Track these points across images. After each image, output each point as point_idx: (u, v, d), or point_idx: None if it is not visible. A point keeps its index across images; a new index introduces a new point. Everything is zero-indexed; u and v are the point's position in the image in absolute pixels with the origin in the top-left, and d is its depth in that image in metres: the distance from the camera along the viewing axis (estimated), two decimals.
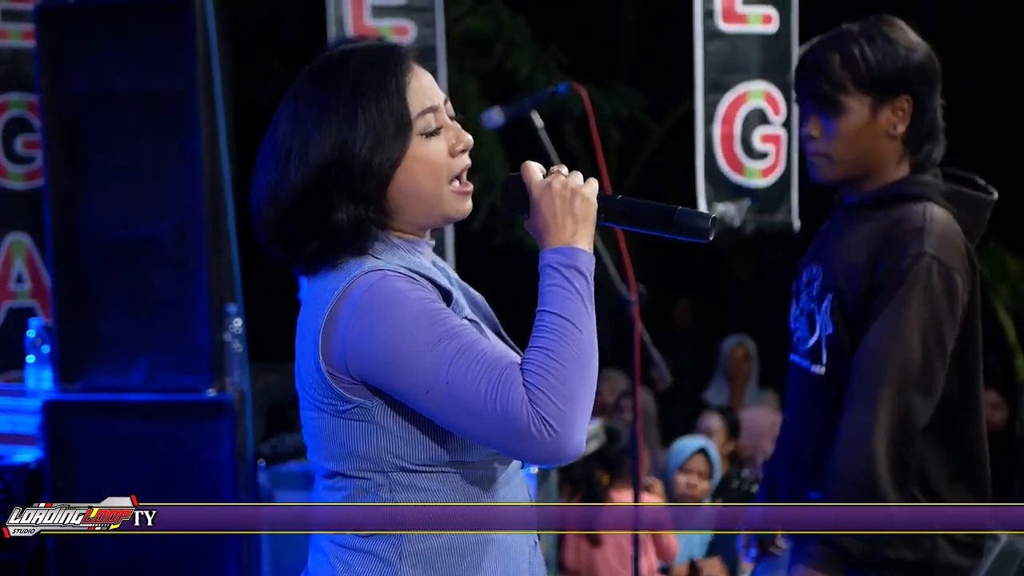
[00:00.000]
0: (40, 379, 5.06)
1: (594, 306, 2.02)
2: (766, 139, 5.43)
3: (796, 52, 5.39)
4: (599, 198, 2.09)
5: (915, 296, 2.82)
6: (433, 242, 2.18)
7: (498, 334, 2.20)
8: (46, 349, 5.06)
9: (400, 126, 2.05)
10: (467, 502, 2.06)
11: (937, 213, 2.94)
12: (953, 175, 3.10)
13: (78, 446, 4.61)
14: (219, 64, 4.64)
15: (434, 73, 5.73)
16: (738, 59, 5.36)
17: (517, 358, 1.97)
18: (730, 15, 5.36)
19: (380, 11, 5.70)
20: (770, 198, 5.45)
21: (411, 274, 2.02)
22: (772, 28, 5.39)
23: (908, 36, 3.02)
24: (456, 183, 2.11)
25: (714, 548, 5.81)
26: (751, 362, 8.49)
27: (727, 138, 5.37)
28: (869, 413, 2.79)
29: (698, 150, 5.39)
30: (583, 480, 5.68)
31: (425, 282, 2.03)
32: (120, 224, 4.59)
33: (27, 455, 4.80)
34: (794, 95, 3.30)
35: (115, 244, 4.61)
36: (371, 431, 2.02)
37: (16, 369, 5.51)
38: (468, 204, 2.14)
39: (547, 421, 1.89)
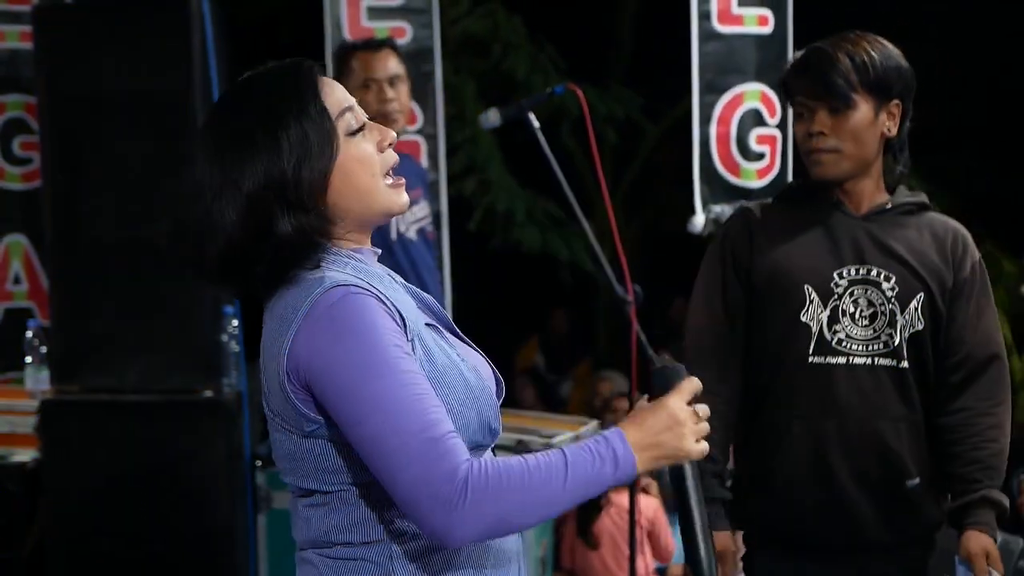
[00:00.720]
0: (37, 379, 5.08)
1: (592, 492, 2.00)
2: (762, 140, 5.44)
3: (791, 53, 5.41)
4: (678, 472, 2.17)
5: (990, 297, 3.31)
6: (379, 251, 2.18)
7: (453, 332, 2.21)
8: (43, 349, 5.07)
9: (325, 133, 2.06)
10: None
11: (959, 224, 3.34)
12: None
13: (75, 446, 4.61)
14: (217, 64, 4.65)
15: (431, 74, 5.81)
16: (734, 60, 5.37)
17: (484, 373, 2.03)
18: (726, 16, 5.37)
19: (376, 12, 5.72)
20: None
21: (373, 290, 2.01)
22: (768, 29, 5.40)
23: (894, 48, 3.26)
24: (389, 177, 2.12)
25: None
26: None
27: (723, 139, 5.37)
28: (1003, 409, 3.24)
29: (694, 151, 5.40)
30: None
31: (384, 302, 2.01)
32: (118, 225, 4.60)
33: (24, 455, 4.81)
34: (787, 95, 3.35)
35: (113, 245, 4.61)
36: (338, 448, 2.01)
37: (14, 369, 5.53)
38: (405, 197, 2.14)
39: (467, 495, 1.89)
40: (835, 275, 3.18)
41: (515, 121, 4.38)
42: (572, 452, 1.97)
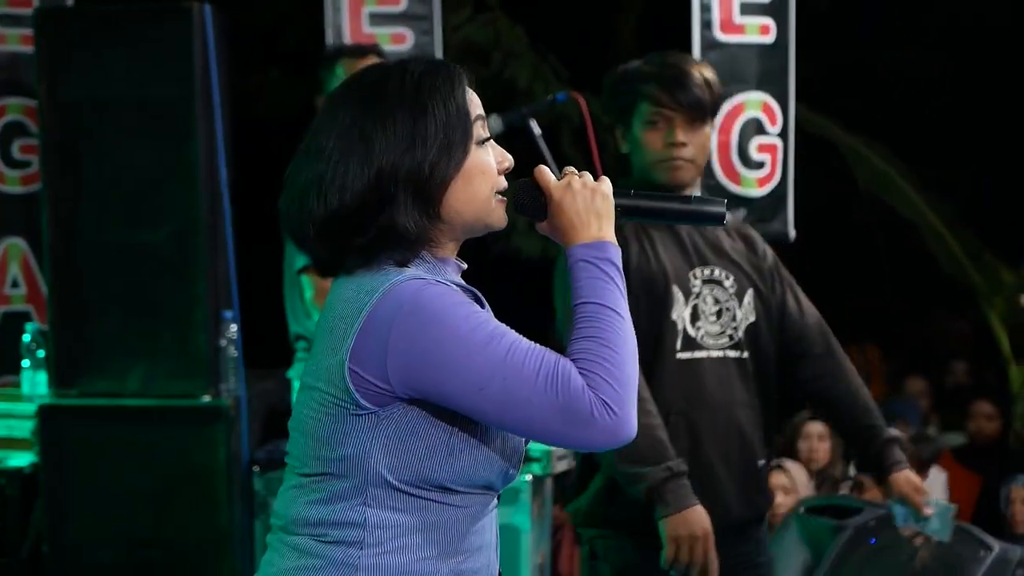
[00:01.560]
0: (35, 384, 5.07)
1: (626, 293, 2.08)
2: (762, 149, 5.44)
3: (793, 63, 5.41)
4: (614, 194, 2.14)
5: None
6: (464, 266, 2.18)
7: None
8: (41, 353, 5.06)
9: (465, 130, 2.07)
10: (435, 532, 2.05)
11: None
12: None
13: (73, 451, 4.61)
14: (218, 71, 4.65)
15: None
16: (735, 69, 5.37)
17: (561, 354, 2.01)
18: (728, 25, 5.37)
19: (378, 19, 5.72)
20: (766, 208, 5.46)
21: (448, 283, 2.04)
22: (770, 39, 5.40)
23: None
24: (498, 195, 2.13)
25: None
26: None
27: (724, 148, 5.38)
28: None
29: None
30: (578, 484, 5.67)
31: (461, 291, 2.05)
32: (117, 229, 4.60)
33: (22, 459, 4.81)
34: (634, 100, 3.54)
35: (112, 249, 4.61)
36: (369, 440, 2.01)
37: (12, 374, 5.52)
38: (505, 214, 2.15)
39: (608, 405, 1.94)
40: (691, 275, 3.49)
41: (517, 128, 4.39)
42: (591, 294, 2.04)
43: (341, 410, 2.02)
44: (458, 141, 2.05)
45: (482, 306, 2.08)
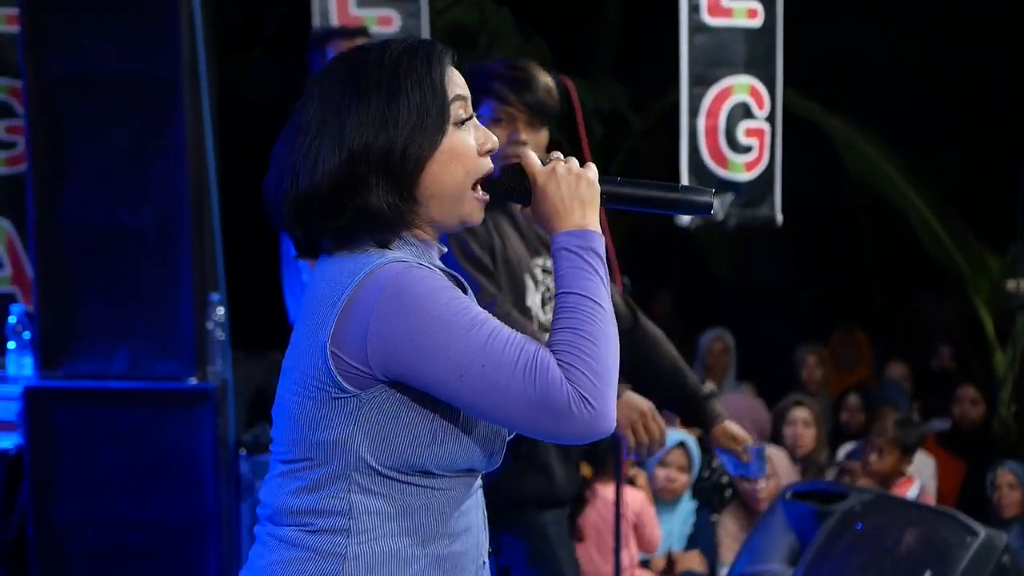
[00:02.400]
0: (21, 365, 5.05)
1: (609, 286, 2.06)
2: (750, 133, 5.44)
3: (781, 46, 5.41)
4: (600, 180, 2.12)
5: None
6: (444, 249, 2.17)
7: None
8: (27, 335, 5.05)
9: (441, 111, 2.04)
10: (420, 516, 2.05)
11: None
12: None
13: (59, 433, 4.60)
14: (204, 51, 4.63)
15: None
16: (723, 53, 5.37)
17: (542, 344, 1.99)
18: (716, 9, 5.37)
19: (365, 1, 5.70)
20: (753, 192, 5.46)
21: (431, 267, 2.02)
22: (757, 22, 5.40)
23: None
24: (478, 189, 2.11)
25: (693, 541, 5.82)
26: (729, 355, 8.53)
27: (711, 132, 5.38)
28: None
29: (682, 143, 5.39)
30: None
31: (444, 275, 2.03)
32: (103, 211, 4.58)
33: (7, 442, 4.80)
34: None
35: (98, 231, 4.60)
36: (352, 424, 2.00)
37: None
38: (482, 214, 2.14)
39: (585, 398, 1.92)
40: (534, 264, 3.61)
41: None
42: (573, 283, 2.02)
43: (323, 393, 2.01)
44: (433, 122, 2.03)
45: (464, 292, 2.06)
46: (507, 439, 2.13)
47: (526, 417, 1.94)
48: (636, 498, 5.60)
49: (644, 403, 3.51)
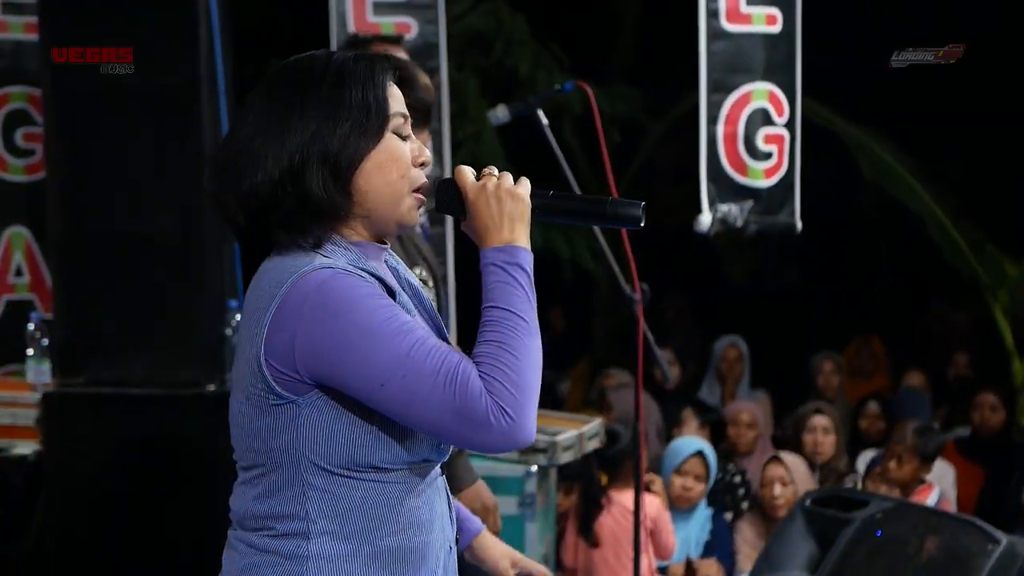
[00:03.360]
0: (39, 372, 5.06)
1: (535, 302, 2.09)
2: (769, 139, 5.43)
3: (800, 53, 5.40)
4: (532, 196, 2.16)
5: None
6: (385, 247, 2.20)
7: (443, 338, 2.21)
8: (45, 342, 5.06)
9: (380, 116, 2.11)
10: (380, 510, 2.09)
11: None
12: None
13: (77, 439, 4.60)
14: (222, 59, 4.63)
15: (436, 70, 5.80)
16: (742, 59, 5.36)
17: (465, 355, 2.03)
18: (734, 15, 5.36)
19: (382, 8, 5.70)
20: (773, 199, 5.45)
21: (359, 272, 2.05)
22: (776, 28, 5.39)
23: None
24: (416, 194, 2.16)
25: (710, 549, 5.81)
26: (743, 363, 8.51)
27: (730, 138, 5.37)
28: None
29: (701, 150, 5.39)
30: (582, 480, 5.67)
31: (372, 279, 2.06)
32: (122, 218, 4.58)
33: (26, 448, 4.80)
34: None
35: (116, 238, 4.60)
36: (294, 429, 2.05)
37: (15, 362, 5.51)
38: (420, 216, 2.20)
39: (504, 410, 1.96)
40: (414, 272, 3.58)
41: (523, 117, 4.38)
42: (496, 298, 2.06)
43: (263, 401, 2.06)
44: (371, 124, 2.10)
45: (393, 295, 2.09)
46: None
47: (446, 426, 1.98)
48: (652, 504, 5.59)
49: (491, 499, 3.53)
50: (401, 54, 4.81)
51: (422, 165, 2.17)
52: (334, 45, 5.56)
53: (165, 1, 4.63)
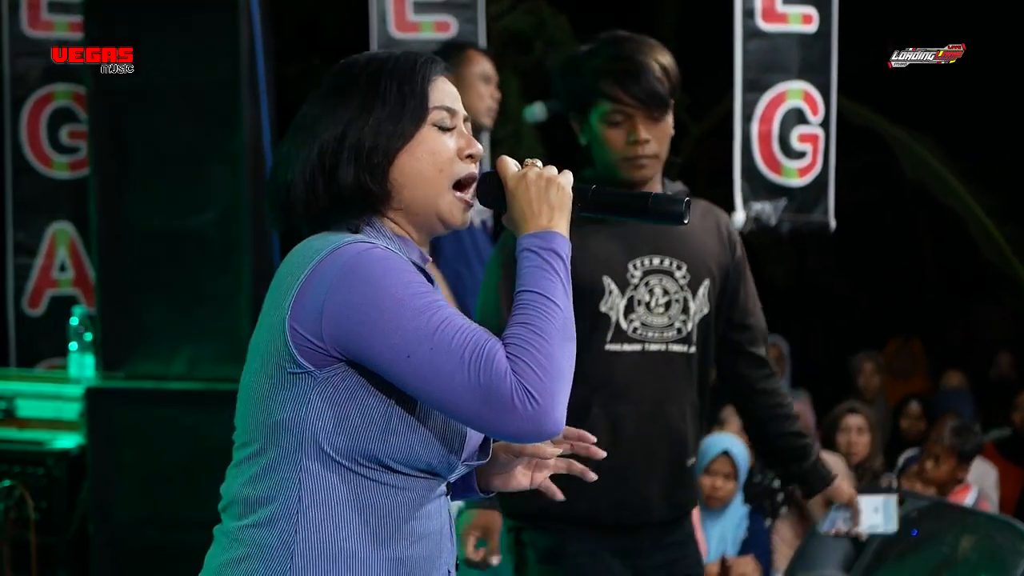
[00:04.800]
0: (83, 366, 5.13)
1: (571, 287, 2.04)
2: (804, 139, 5.43)
3: (835, 52, 5.41)
4: (573, 188, 2.12)
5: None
6: (429, 259, 2.18)
7: None
8: (88, 337, 5.12)
9: (416, 109, 2.09)
10: (374, 513, 2.02)
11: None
12: None
13: (120, 433, 4.66)
14: (263, 57, 4.68)
15: None
16: (777, 58, 5.37)
17: (495, 336, 1.97)
18: (770, 14, 5.36)
19: (422, 7, 5.74)
20: (806, 198, 5.45)
21: (397, 252, 2.04)
22: (812, 28, 5.40)
23: None
24: (459, 191, 2.13)
25: (746, 547, 5.81)
26: (784, 362, 8.50)
27: (765, 137, 5.37)
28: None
29: (736, 149, 5.40)
30: None
31: (409, 263, 2.04)
32: (164, 214, 4.64)
33: (69, 441, 4.86)
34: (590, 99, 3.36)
35: (159, 234, 4.65)
36: (305, 403, 1.99)
37: (59, 356, 5.58)
38: (467, 216, 2.16)
39: (530, 393, 1.90)
40: (629, 266, 3.29)
41: (561, 115, 4.40)
42: (530, 282, 2.01)
43: (279, 369, 2.00)
44: (407, 115, 2.08)
45: (431, 281, 2.05)
46: (466, 439, 2.08)
47: (469, 407, 1.92)
48: None
49: (497, 522, 3.36)
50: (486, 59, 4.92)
51: (470, 157, 2.14)
52: (374, 44, 5.62)
53: (207, 1, 4.68)
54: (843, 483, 3.48)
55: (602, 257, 3.30)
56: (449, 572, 2.15)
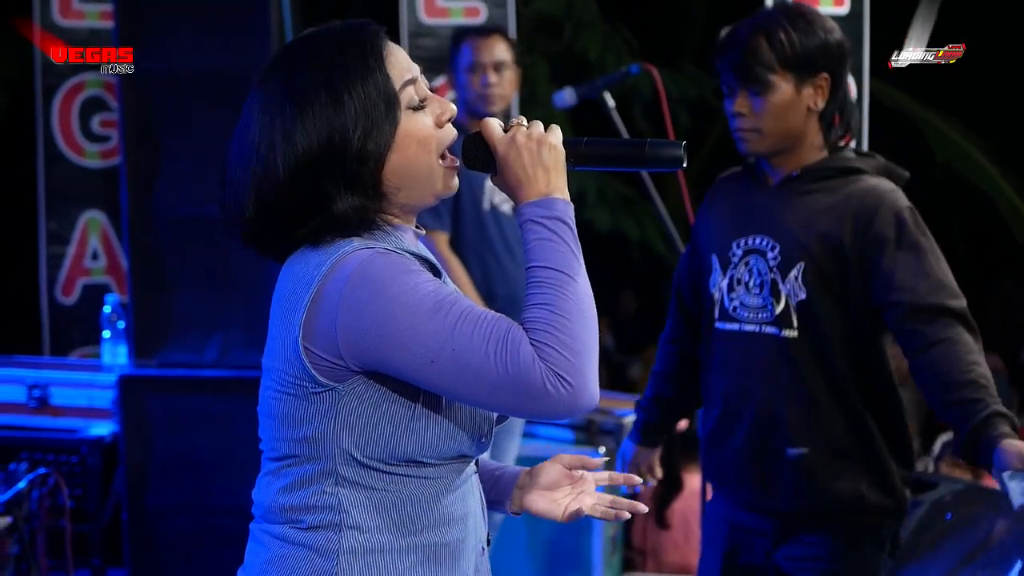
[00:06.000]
0: (116, 354, 5.15)
1: (581, 254, 1.97)
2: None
3: (868, 34, 5.37)
4: (565, 143, 2.05)
5: (921, 248, 3.13)
6: (422, 231, 2.12)
7: None
8: (121, 325, 5.14)
9: (389, 104, 1.99)
10: (412, 505, 2.00)
11: (886, 185, 3.22)
12: (865, 152, 3.35)
13: (152, 420, 4.68)
14: None
15: None
16: None
17: (515, 322, 1.92)
18: None
19: None
20: None
21: (399, 251, 1.97)
22: (844, 10, 5.36)
23: (824, 19, 3.26)
24: (444, 159, 2.06)
25: None
26: None
27: None
28: (954, 348, 3.08)
29: None
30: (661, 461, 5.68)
31: (412, 257, 1.97)
32: (195, 203, 4.65)
33: (103, 429, 4.88)
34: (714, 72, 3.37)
35: (190, 222, 4.66)
36: (332, 418, 1.97)
37: (92, 344, 5.61)
38: (456, 180, 2.08)
39: (560, 376, 1.85)
40: (733, 245, 3.27)
41: (589, 100, 4.39)
42: (539, 256, 1.94)
43: (300, 389, 1.97)
44: (382, 117, 1.98)
45: (437, 275, 2.00)
46: (495, 421, 2.06)
47: (503, 398, 1.88)
48: None
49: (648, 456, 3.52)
50: (500, 45, 4.87)
51: (447, 121, 2.05)
52: (404, 31, 5.61)
53: None
54: (1013, 443, 2.98)
55: (713, 235, 3.32)
56: (483, 549, 2.14)
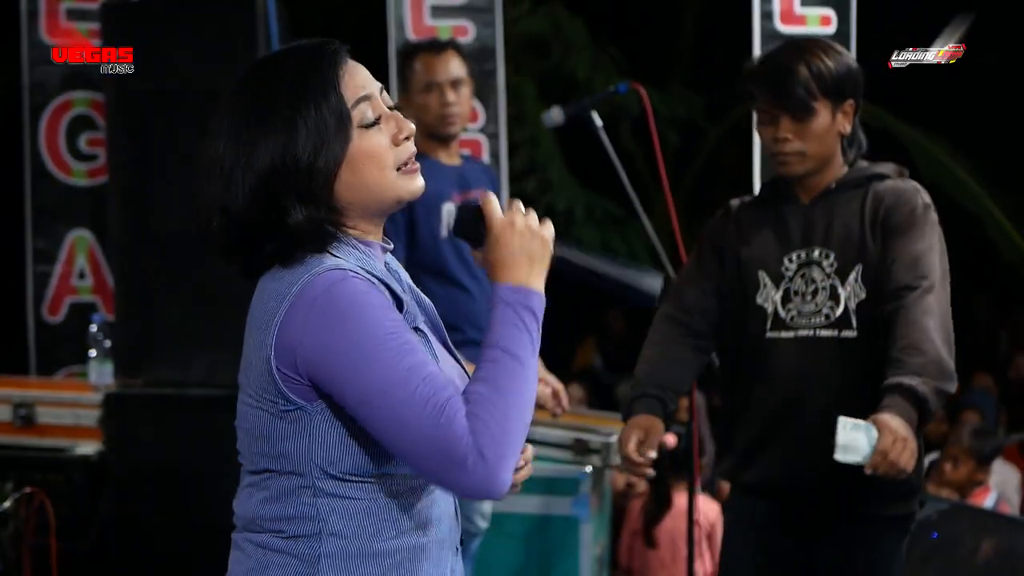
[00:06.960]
0: (102, 373, 5.14)
1: (539, 347, 2.04)
2: None
3: (854, 54, 5.39)
4: (555, 244, 2.12)
5: (922, 232, 3.37)
6: (391, 245, 2.18)
7: (444, 344, 2.21)
8: (107, 344, 5.13)
9: (340, 121, 2.05)
10: (389, 511, 2.06)
11: (910, 183, 3.50)
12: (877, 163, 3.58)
13: (139, 439, 4.67)
14: None
15: (493, 73, 5.83)
16: None
17: (461, 387, 2.00)
18: (788, 16, 5.36)
19: (440, 11, 5.75)
20: None
21: (370, 277, 2.03)
22: (830, 30, 5.38)
23: (842, 48, 3.55)
24: (403, 167, 2.11)
25: None
26: None
27: None
28: (931, 317, 3.27)
29: (755, 152, 5.39)
30: (651, 480, 5.69)
31: (382, 287, 2.04)
32: (183, 221, 4.63)
33: (89, 447, 4.87)
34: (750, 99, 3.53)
35: (176, 241, 4.65)
36: (304, 435, 2.03)
37: (79, 363, 5.60)
38: (419, 181, 2.13)
39: (483, 454, 1.91)
40: (785, 259, 3.47)
41: (578, 119, 4.40)
42: (502, 338, 2.00)
43: (273, 406, 2.04)
44: (333, 137, 2.04)
45: (401, 306, 2.06)
46: None
47: (423, 458, 1.94)
48: (712, 509, 5.59)
49: (658, 427, 3.50)
50: (454, 61, 4.77)
51: (406, 139, 2.11)
52: (392, 49, 5.62)
53: (224, 7, 4.69)
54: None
55: (757, 253, 3.51)
56: (457, 549, 2.21)
